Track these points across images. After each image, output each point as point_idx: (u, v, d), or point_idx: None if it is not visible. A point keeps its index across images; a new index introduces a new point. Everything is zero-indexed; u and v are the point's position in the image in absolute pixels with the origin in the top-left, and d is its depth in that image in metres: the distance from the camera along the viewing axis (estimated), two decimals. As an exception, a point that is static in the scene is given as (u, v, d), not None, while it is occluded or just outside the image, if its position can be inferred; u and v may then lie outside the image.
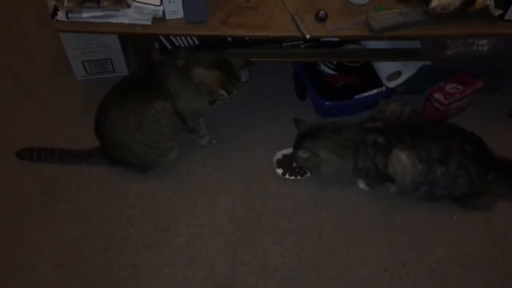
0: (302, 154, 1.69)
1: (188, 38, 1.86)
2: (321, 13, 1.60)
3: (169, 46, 1.89)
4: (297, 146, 1.72)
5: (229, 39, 1.82)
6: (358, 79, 1.96)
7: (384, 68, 1.92)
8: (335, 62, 1.99)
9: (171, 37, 1.85)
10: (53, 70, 2.16)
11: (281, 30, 1.60)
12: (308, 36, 1.56)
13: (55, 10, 1.59)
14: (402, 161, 1.61)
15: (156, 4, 1.55)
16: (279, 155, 1.89)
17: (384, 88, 1.95)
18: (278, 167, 1.87)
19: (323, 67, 2.01)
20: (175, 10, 1.58)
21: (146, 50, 1.85)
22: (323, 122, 1.82)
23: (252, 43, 1.87)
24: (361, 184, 1.81)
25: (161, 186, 1.83)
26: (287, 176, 1.85)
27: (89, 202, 1.79)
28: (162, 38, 1.85)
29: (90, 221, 1.74)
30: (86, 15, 1.57)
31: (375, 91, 1.95)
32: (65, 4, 1.56)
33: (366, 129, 1.70)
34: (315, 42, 1.87)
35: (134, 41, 1.83)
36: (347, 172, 1.73)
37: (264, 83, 2.13)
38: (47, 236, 1.70)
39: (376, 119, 1.74)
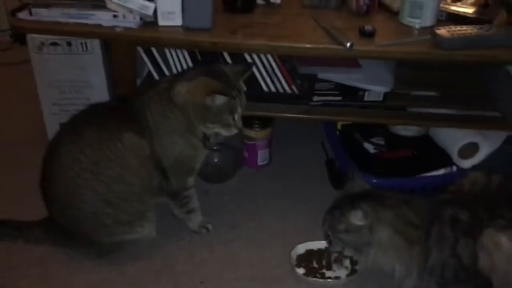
0: (355, 217, 1.05)
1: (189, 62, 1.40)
2: (367, 27, 1.17)
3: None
4: (340, 207, 1.11)
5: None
6: (416, 153, 1.42)
7: (453, 138, 1.38)
8: (382, 142, 1.50)
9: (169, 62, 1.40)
10: (27, 133, 1.73)
11: (309, 42, 1.15)
12: (348, 45, 1.11)
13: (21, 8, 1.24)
14: (503, 247, 0.99)
15: (146, -4, 1.17)
16: (301, 249, 1.28)
17: (454, 168, 1.38)
18: (299, 266, 1.24)
19: (367, 145, 1.51)
20: (171, 12, 1.19)
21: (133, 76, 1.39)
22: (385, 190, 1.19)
23: (271, 96, 1.41)
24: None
25: (120, 277, 1.22)
26: (310, 277, 1.21)
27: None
28: (159, 60, 1.39)
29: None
30: (54, 11, 1.20)
31: (442, 171, 1.38)
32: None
33: (442, 200, 1.12)
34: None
35: (119, 60, 1.36)
36: (409, 270, 1.07)
37: (287, 166, 1.62)
38: None
39: (450, 192, 1.17)
